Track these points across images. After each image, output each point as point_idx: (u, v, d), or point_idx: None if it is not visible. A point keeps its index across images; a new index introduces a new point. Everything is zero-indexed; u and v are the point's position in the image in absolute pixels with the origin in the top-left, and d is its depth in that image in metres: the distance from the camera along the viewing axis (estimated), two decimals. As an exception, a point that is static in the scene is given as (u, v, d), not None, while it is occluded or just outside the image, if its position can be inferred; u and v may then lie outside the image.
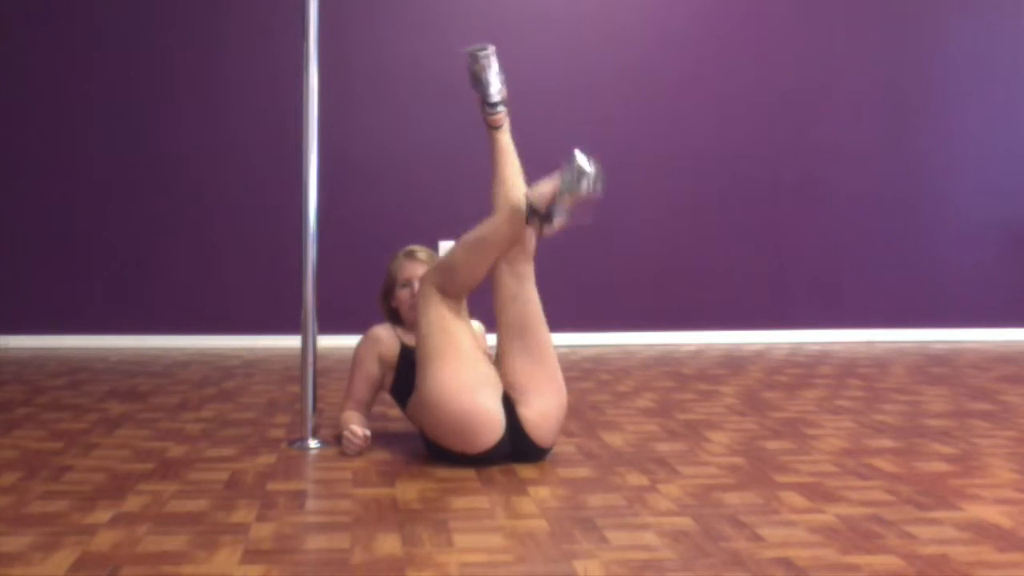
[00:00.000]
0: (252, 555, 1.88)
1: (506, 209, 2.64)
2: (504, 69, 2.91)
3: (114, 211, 5.24)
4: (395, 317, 3.01)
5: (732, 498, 2.30)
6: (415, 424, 2.85)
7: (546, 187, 2.57)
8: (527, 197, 2.60)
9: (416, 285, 2.88)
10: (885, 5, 5.70)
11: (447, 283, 2.64)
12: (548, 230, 2.59)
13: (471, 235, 2.62)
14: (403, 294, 2.91)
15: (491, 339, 5.30)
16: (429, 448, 2.67)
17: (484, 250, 2.62)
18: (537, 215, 2.58)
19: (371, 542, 1.96)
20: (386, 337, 2.89)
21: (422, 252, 2.96)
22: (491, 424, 2.52)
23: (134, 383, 4.00)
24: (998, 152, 5.81)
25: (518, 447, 2.60)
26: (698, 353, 5.09)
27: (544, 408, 2.60)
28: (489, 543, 1.96)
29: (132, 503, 2.23)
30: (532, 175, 5.47)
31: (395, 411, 3.45)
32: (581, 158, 2.51)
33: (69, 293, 5.22)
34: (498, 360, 2.65)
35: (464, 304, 2.72)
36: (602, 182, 2.54)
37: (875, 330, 5.71)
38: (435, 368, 2.54)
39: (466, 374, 2.53)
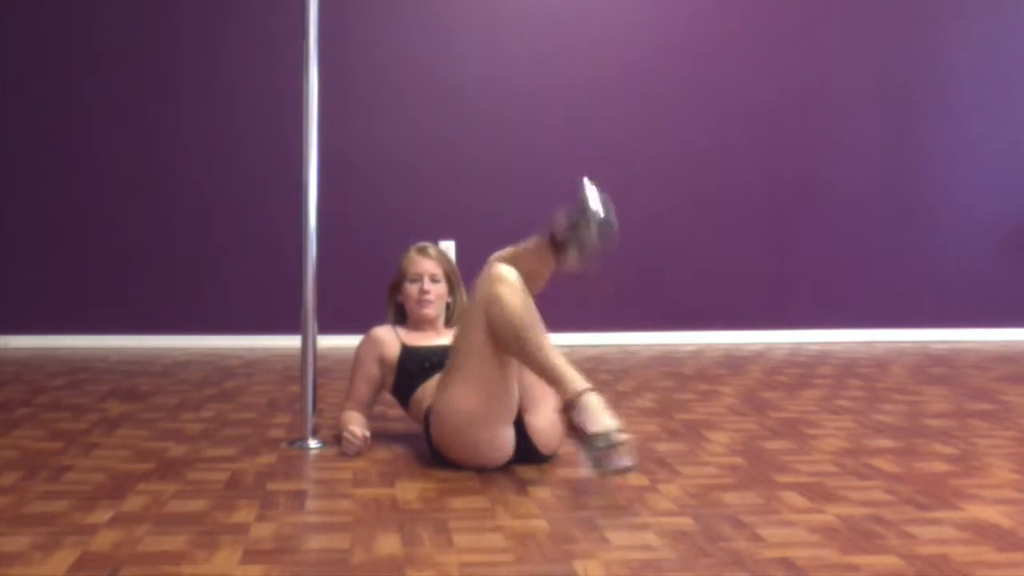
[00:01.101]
0: (252, 555, 1.88)
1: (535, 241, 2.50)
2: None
3: (114, 211, 5.24)
4: (399, 312, 3.01)
5: (732, 498, 2.30)
6: (416, 422, 2.85)
7: (560, 216, 2.46)
8: (552, 228, 2.46)
9: (426, 282, 2.89)
10: (885, 5, 5.70)
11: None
12: (564, 260, 2.44)
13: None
14: (412, 289, 2.91)
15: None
16: (430, 448, 2.66)
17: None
18: (555, 242, 2.44)
19: (371, 542, 1.96)
20: (386, 338, 2.88)
21: (433, 249, 2.96)
22: (502, 452, 2.52)
23: (134, 383, 4.00)
24: (998, 152, 5.81)
25: (522, 452, 2.59)
26: (698, 353, 5.09)
27: (551, 417, 2.59)
28: (489, 543, 1.96)
29: (132, 503, 2.23)
30: (531, 176, 5.48)
31: (395, 411, 3.45)
32: (589, 192, 2.36)
33: (69, 293, 5.22)
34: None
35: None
36: (610, 225, 2.37)
37: (875, 330, 5.71)
38: (462, 387, 2.45)
39: (492, 401, 2.45)
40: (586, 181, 2.43)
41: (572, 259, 2.43)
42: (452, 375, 2.48)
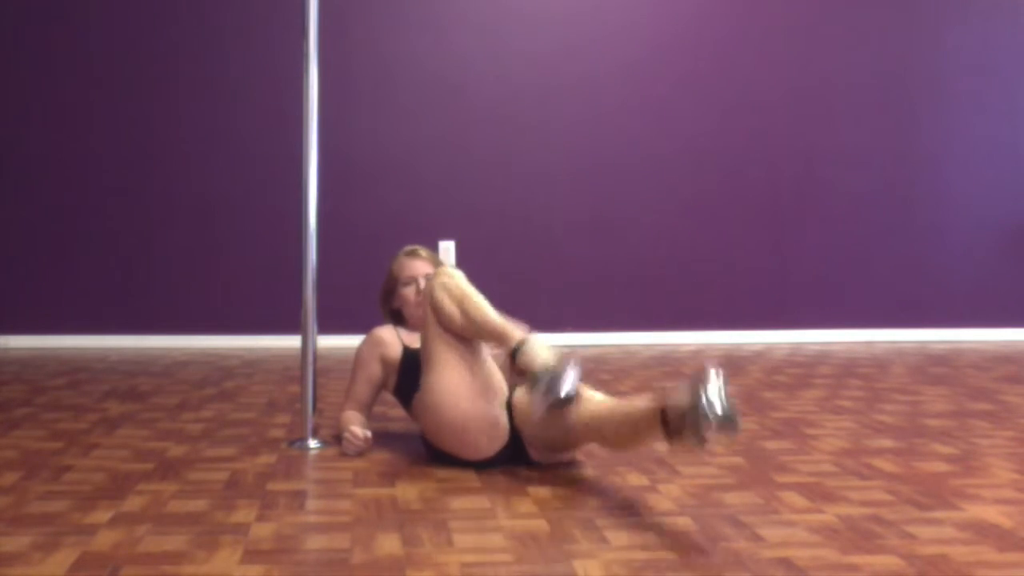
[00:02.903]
0: (252, 555, 1.88)
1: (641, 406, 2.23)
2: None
3: (114, 211, 5.24)
4: (398, 318, 3.01)
5: (732, 498, 2.30)
6: (418, 424, 2.85)
7: (675, 396, 2.11)
8: (664, 400, 2.14)
9: (421, 283, 2.89)
10: (886, 5, 5.70)
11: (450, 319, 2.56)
12: (676, 442, 2.12)
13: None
14: (407, 292, 2.92)
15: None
16: (428, 451, 2.66)
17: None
18: (665, 420, 2.13)
19: (371, 542, 1.96)
20: (389, 339, 2.88)
21: (423, 250, 2.99)
22: (493, 432, 2.51)
23: (134, 383, 4.00)
24: (998, 152, 5.81)
25: (520, 459, 2.59)
26: (698, 353, 5.09)
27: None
28: (489, 543, 1.96)
29: (132, 503, 2.23)
30: (531, 176, 5.48)
31: (395, 411, 3.45)
32: (709, 384, 2.01)
33: (69, 293, 5.22)
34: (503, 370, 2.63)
35: None
36: (732, 423, 2.00)
37: (875, 330, 5.71)
38: (439, 372, 2.52)
39: (471, 380, 2.50)
40: (711, 371, 2.04)
41: (687, 445, 2.07)
42: (425, 363, 2.59)
